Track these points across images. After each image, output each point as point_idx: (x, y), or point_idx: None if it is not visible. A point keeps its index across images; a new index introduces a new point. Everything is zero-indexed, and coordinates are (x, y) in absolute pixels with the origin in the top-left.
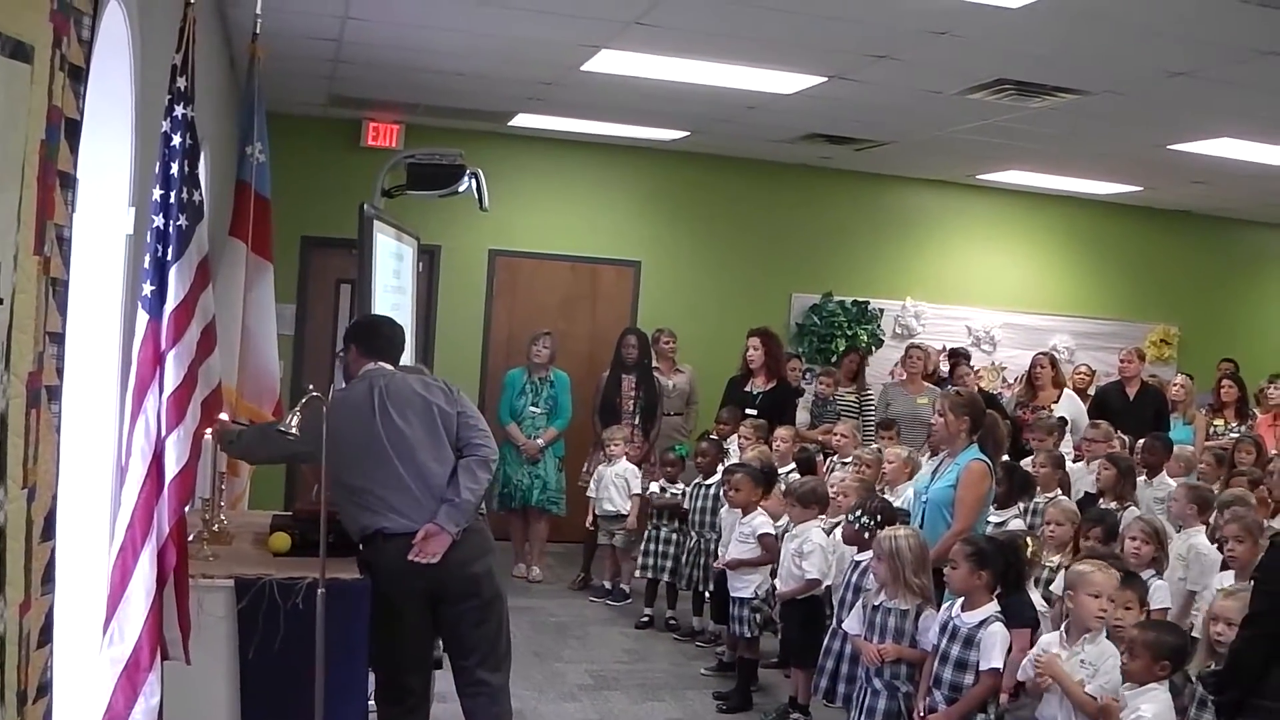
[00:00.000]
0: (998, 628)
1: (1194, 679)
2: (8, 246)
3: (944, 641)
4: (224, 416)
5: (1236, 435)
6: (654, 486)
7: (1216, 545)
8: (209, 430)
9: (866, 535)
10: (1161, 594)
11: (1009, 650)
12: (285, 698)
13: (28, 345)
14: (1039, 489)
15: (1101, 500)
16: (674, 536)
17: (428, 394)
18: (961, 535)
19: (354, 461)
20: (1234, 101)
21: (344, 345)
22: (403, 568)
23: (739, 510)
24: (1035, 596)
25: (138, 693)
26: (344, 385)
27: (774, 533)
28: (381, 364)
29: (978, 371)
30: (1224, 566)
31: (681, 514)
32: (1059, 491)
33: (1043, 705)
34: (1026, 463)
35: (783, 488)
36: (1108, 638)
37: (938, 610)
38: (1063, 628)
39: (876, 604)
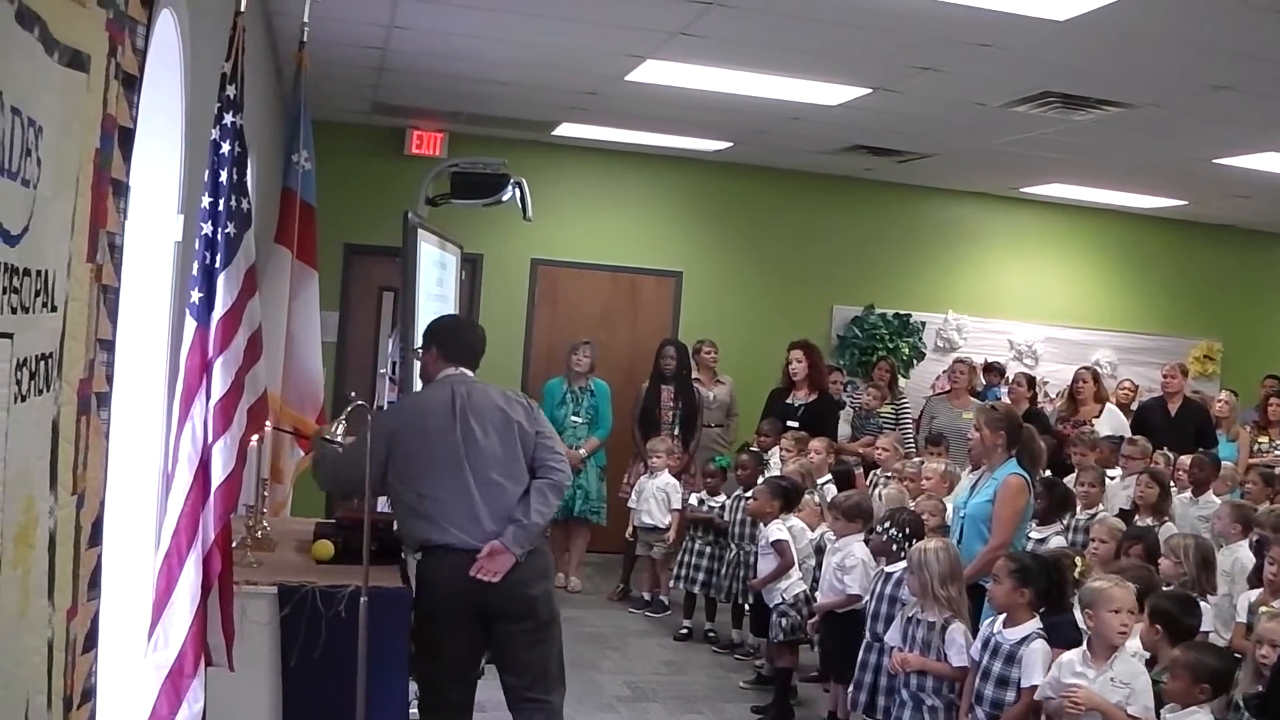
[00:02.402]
0: (1039, 645)
1: (1240, 702)
2: (61, 255)
3: (986, 658)
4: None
5: None
6: (693, 499)
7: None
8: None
9: (894, 548)
10: (1205, 616)
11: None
12: (327, 705)
13: (79, 352)
14: (1081, 506)
15: (1137, 517)
16: (708, 549)
17: (509, 409)
18: (999, 550)
19: (424, 468)
20: (1278, 115)
21: (424, 345)
22: (461, 583)
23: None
24: (1078, 615)
25: (181, 698)
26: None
27: (787, 538)
28: (463, 370)
29: (1018, 381)
30: (1253, 581)
31: (718, 527)
32: (1101, 508)
33: None
34: (1069, 479)
35: (815, 500)
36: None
37: (969, 625)
38: (1085, 646)
39: (911, 615)
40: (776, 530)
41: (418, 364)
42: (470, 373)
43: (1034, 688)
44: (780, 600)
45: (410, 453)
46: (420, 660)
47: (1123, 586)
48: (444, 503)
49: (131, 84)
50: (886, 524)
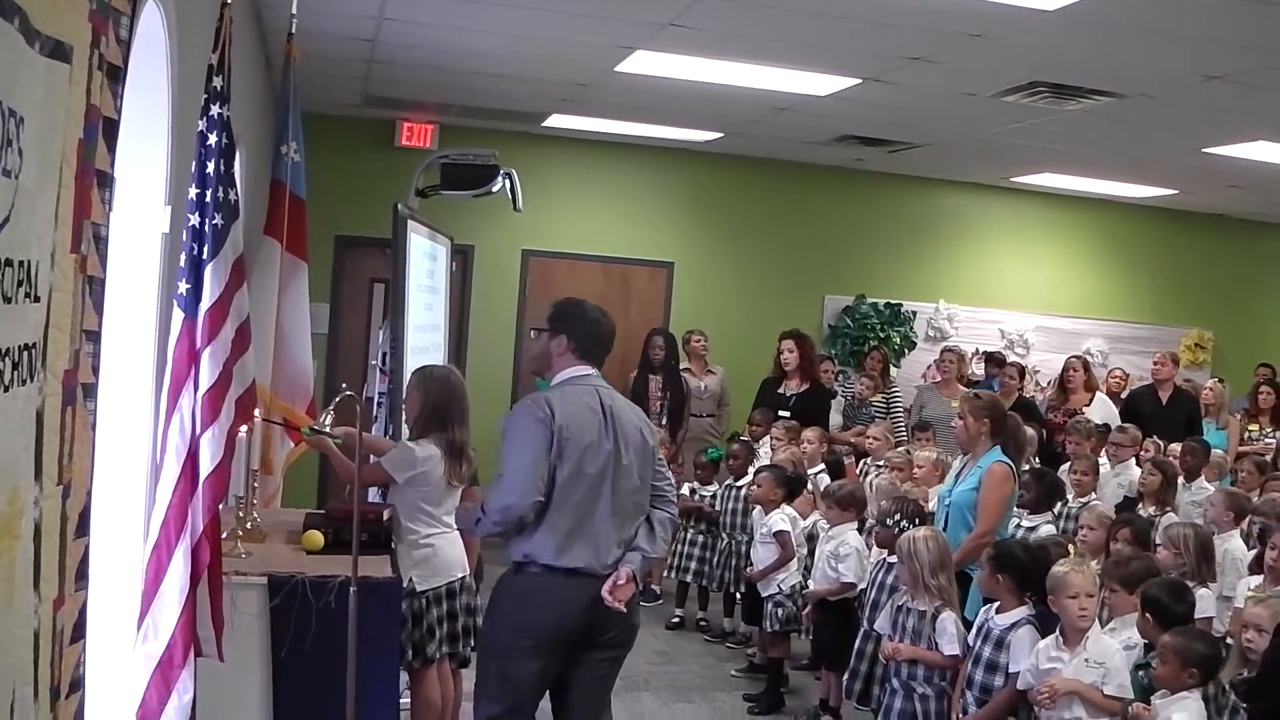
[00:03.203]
0: (1026, 631)
1: (1226, 687)
2: (45, 245)
3: (978, 643)
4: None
5: (1273, 440)
6: (684, 488)
7: (1256, 553)
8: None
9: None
10: (1205, 603)
11: None
12: (318, 695)
13: (64, 343)
14: (1074, 495)
15: (1140, 505)
16: (700, 539)
17: (645, 431)
18: (983, 538)
19: (572, 479)
20: (1269, 104)
21: (551, 329)
22: (582, 607)
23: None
24: None
25: (171, 689)
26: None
27: (789, 529)
28: (594, 371)
29: (1009, 372)
30: (1253, 569)
31: (708, 517)
32: (1094, 497)
33: (1062, 708)
34: (1064, 469)
35: (808, 489)
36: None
37: (959, 613)
38: (1057, 632)
39: (900, 604)
40: (780, 521)
41: (532, 346)
42: (599, 376)
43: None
44: (776, 591)
45: (564, 457)
46: (497, 677)
47: (1079, 571)
48: (580, 522)
49: (116, 75)
50: (895, 515)
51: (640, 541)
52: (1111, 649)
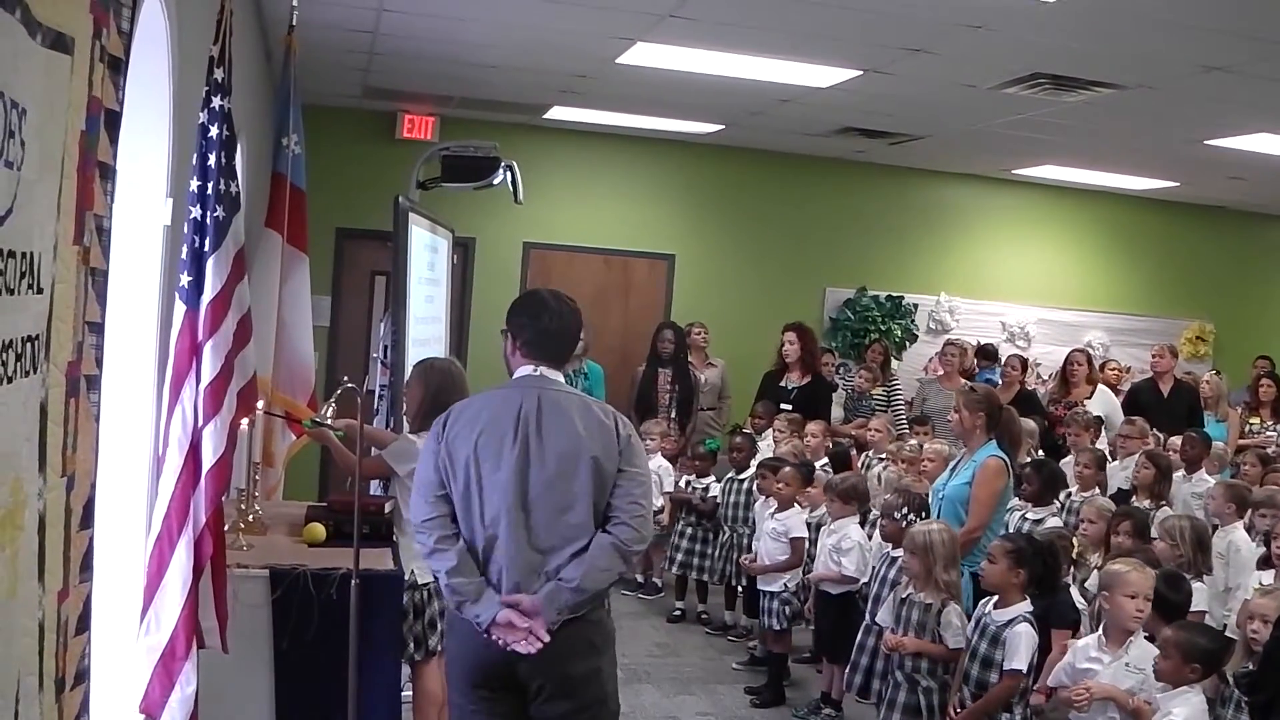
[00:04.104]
0: (1024, 628)
1: (1229, 679)
2: (48, 237)
3: (975, 638)
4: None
5: (1274, 433)
6: (683, 480)
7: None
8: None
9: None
10: (1199, 597)
11: (1041, 651)
12: (319, 687)
13: (67, 335)
14: (1079, 488)
15: (1135, 498)
16: (698, 532)
17: (588, 436)
18: (975, 532)
19: (467, 494)
20: (1270, 95)
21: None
22: (492, 647)
23: (771, 505)
24: (1075, 595)
25: (174, 681)
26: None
27: (806, 536)
28: (544, 370)
29: (1011, 364)
30: (1263, 565)
31: (705, 510)
32: (1097, 490)
33: (1096, 711)
34: (1066, 462)
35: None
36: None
37: (963, 606)
38: (1100, 631)
39: (904, 597)
40: (799, 527)
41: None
42: (554, 374)
43: (1015, 671)
44: (783, 588)
45: (454, 468)
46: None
47: (1140, 571)
48: (489, 546)
49: (117, 67)
50: (903, 508)
51: (565, 570)
52: (1151, 654)
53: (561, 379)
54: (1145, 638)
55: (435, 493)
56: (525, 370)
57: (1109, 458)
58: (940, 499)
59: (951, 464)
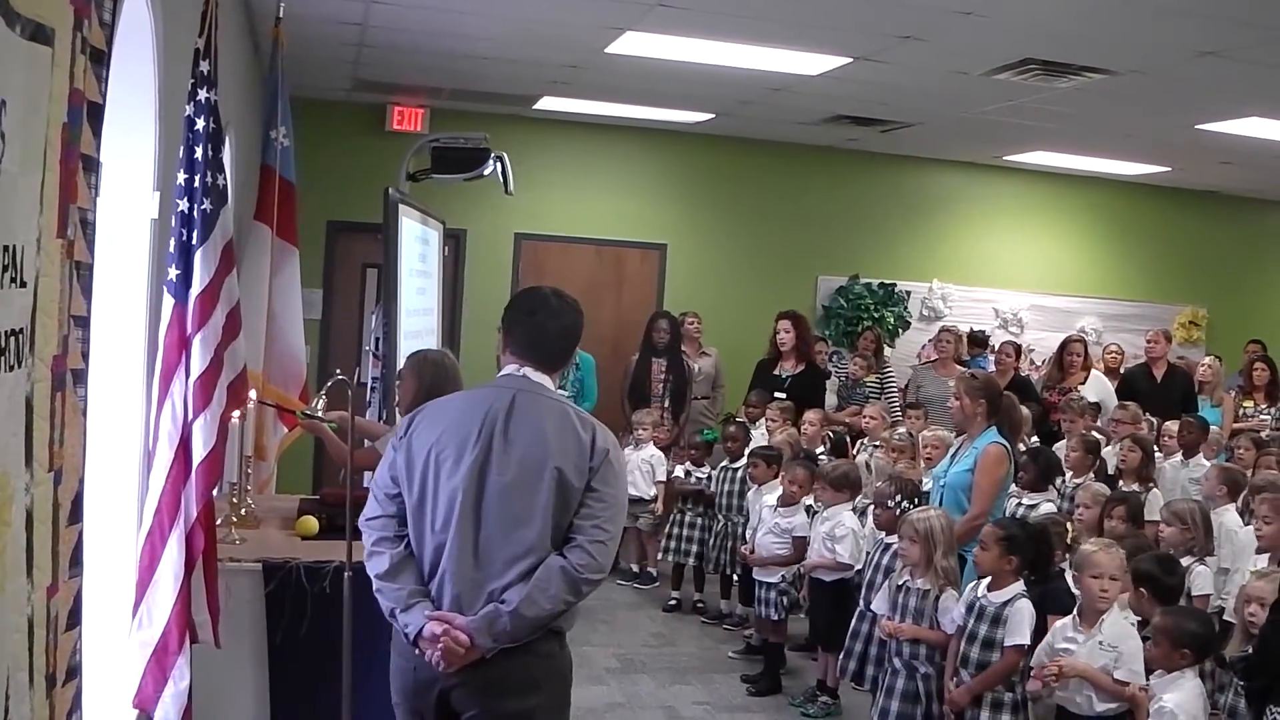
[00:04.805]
0: (1024, 604)
1: (1227, 661)
2: (30, 230)
3: (971, 621)
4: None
5: (1267, 417)
6: (679, 470)
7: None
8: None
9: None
10: (1203, 580)
11: (1037, 637)
12: (313, 680)
13: (52, 329)
14: (1071, 473)
15: (1122, 482)
16: (699, 520)
17: (557, 448)
18: (978, 519)
19: (420, 508)
20: (1262, 80)
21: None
22: (428, 669)
23: (765, 494)
24: (1070, 581)
25: (167, 676)
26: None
27: (808, 535)
28: (526, 371)
29: (1005, 350)
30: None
31: (706, 498)
32: (1091, 476)
33: (1074, 690)
34: (1058, 446)
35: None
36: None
37: (958, 592)
38: (1075, 612)
39: (900, 584)
40: (803, 526)
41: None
42: (541, 377)
43: (1019, 646)
44: (780, 579)
45: (411, 469)
46: None
47: (1107, 551)
48: (436, 561)
49: (99, 58)
50: (896, 496)
51: (509, 592)
52: (1127, 633)
53: (549, 383)
54: (1138, 620)
55: (385, 492)
56: (509, 369)
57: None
58: (941, 486)
59: (951, 451)
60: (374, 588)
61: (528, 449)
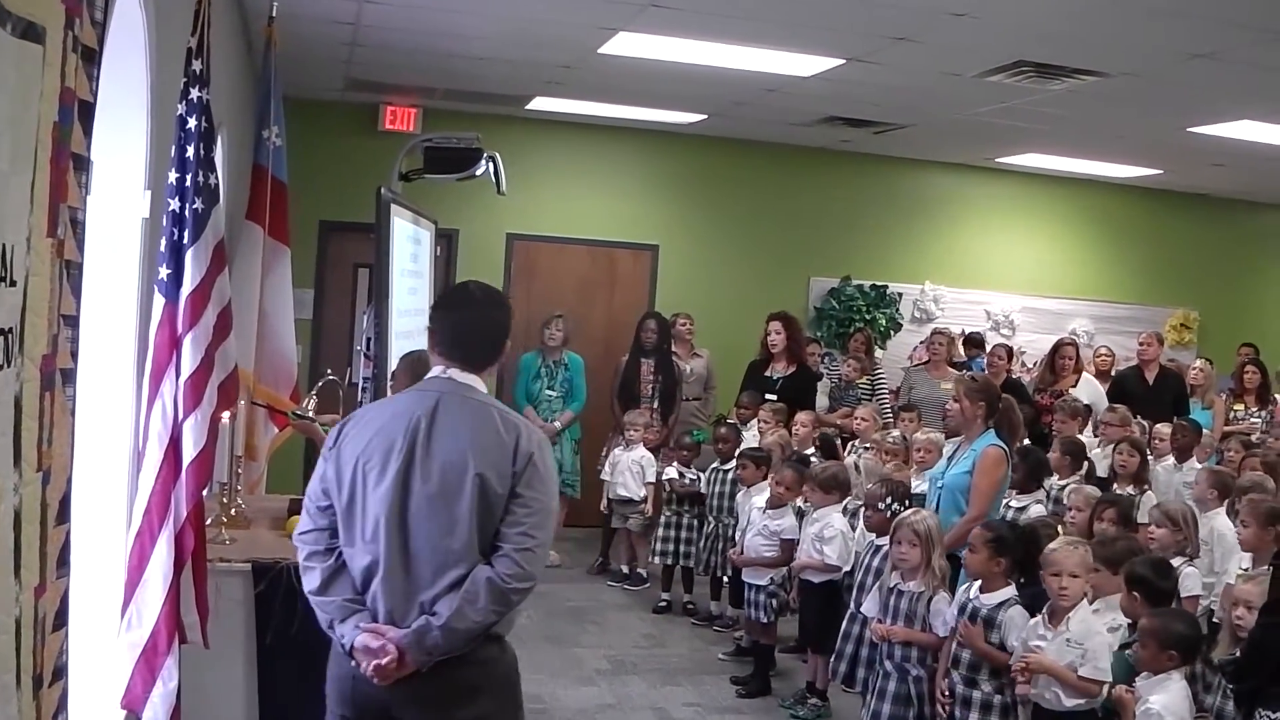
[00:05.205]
0: (1017, 610)
1: (1215, 663)
2: (21, 229)
3: (962, 622)
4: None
5: (1258, 420)
6: (670, 471)
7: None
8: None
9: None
10: (1191, 581)
11: None
12: (302, 681)
13: (41, 328)
14: (1056, 475)
15: (1116, 484)
16: (689, 522)
17: (479, 451)
18: (977, 521)
19: (348, 516)
20: (1255, 83)
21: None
22: (362, 682)
23: (755, 495)
24: None
25: (156, 676)
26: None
27: (797, 538)
28: (453, 372)
29: (997, 353)
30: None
31: (696, 500)
32: (1078, 477)
33: (1043, 687)
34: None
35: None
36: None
37: (949, 594)
38: (1044, 611)
39: (891, 586)
40: (792, 529)
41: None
42: (468, 377)
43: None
44: (769, 581)
45: (341, 478)
46: None
47: (1067, 549)
48: (369, 572)
49: (91, 57)
50: (888, 499)
51: (439, 604)
52: (1093, 630)
53: (479, 383)
54: (1129, 624)
55: (316, 504)
56: (435, 371)
57: (1087, 445)
58: (939, 487)
59: (949, 453)
60: (311, 603)
61: (449, 456)
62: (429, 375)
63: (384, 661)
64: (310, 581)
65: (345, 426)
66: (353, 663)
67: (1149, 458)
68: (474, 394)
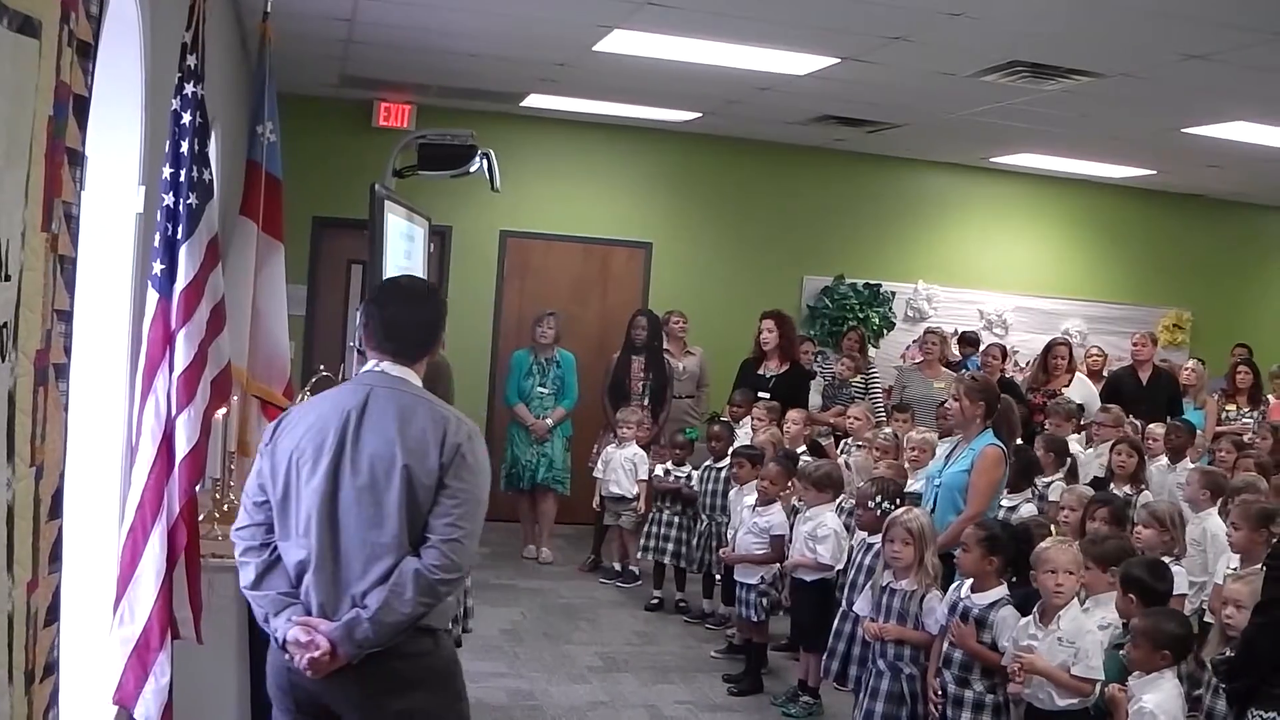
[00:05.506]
0: (1009, 610)
1: (1208, 664)
2: (15, 223)
3: (954, 622)
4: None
5: (1250, 420)
6: (658, 469)
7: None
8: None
9: (884, 519)
10: (1179, 580)
11: None
12: None
13: (35, 323)
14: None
15: (1113, 485)
16: (676, 520)
17: (405, 444)
18: (974, 520)
19: (283, 510)
20: (1249, 84)
21: None
22: (298, 676)
23: (747, 494)
24: None
25: (148, 672)
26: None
27: (787, 534)
28: (384, 366)
29: (991, 353)
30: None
31: (684, 498)
32: (1062, 475)
33: (1037, 687)
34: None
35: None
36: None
37: (942, 592)
38: (1035, 610)
39: (884, 585)
40: (781, 525)
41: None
42: (400, 370)
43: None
44: (760, 580)
45: (276, 473)
46: None
47: (1060, 547)
48: (303, 566)
49: (86, 52)
50: (878, 497)
51: (369, 597)
52: (1085, 629)
53: (411, 376)
54: (1122, 623)
55: (253, 500)
56: (368, 365)
57: (1069, 445)
58: (936, 486)
59: (945, 451)
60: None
61: (377, 449)
62: (364, 368)
63: (315, 655)
64: (245, 577)
65: (281, 422)
66: (286, 656)
67: (1145, 458)
68: (406, 387)
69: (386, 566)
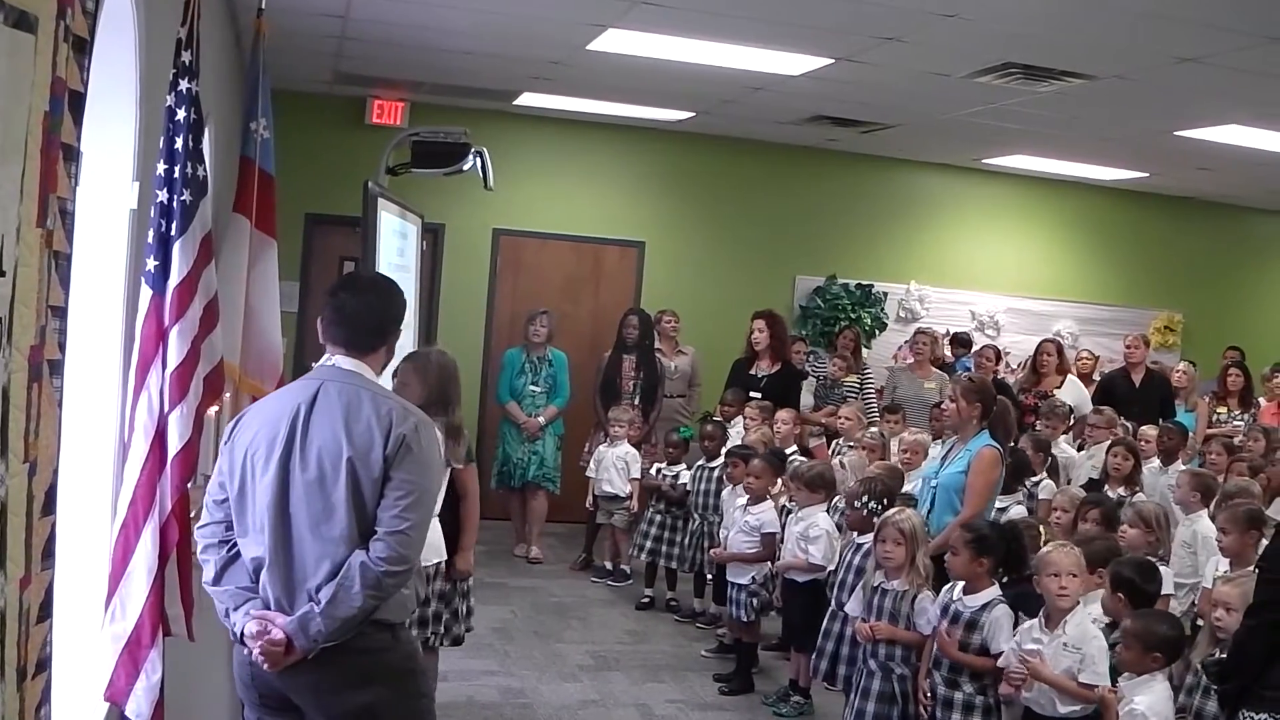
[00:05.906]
0: (1002, 611)
1: (1198, 666)
2: (10, 219)
3: (945, 624)
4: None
5: (1240, 422)
6: (653, 468)
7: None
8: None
9: (873, 520)
10: (1165, 581)
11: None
12: None
13: (29, 319)
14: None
15: (1108, 486)
16: (667, 520)
17: (352, 437)
18: (972, 520)
19: (239, 505)
20: (1241, 87)
21: None
22: (258, 671)
23: (740, 494)
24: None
25: (139, 669)
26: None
27: (777, 532)
28: (337, 359)
29: (985, 354)
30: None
31: (674, 498)
32: (1045, 475)
33: (1039, 693)
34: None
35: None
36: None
37: (934, 592)
38: (1041, 614)
39: (875, 585)
40: (771, 523)
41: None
42: (353, 363)
43: (1001, 653)
44: (751, 580)
45: (233, 470)
46: None
47: (1062, 550)
48: (260, 562)
49: (82, 47)
50: (864, 497)
51: (322, 590)
52: (1090, 634)
53: (366, 371)
54: (1109, 623)
55: (214, 498)
56: (323, 359)
57: (1055, 445)
58: (933, 487)
59: (940, 453)
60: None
61: (325, 442)
62: (319, 363)
63: (269, 645)
64: (206, 573)
65: (240, 420)
66: (244, 650)
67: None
68: (356, 379)
69: (338, 560)
